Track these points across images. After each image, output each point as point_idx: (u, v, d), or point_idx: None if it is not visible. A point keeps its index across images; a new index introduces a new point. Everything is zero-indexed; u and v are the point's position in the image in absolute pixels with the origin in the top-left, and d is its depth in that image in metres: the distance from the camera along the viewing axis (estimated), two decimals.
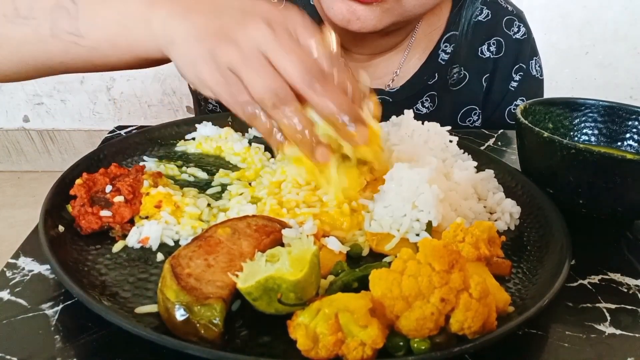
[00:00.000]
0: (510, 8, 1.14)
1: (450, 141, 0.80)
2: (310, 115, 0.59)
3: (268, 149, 0.81)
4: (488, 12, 1.11)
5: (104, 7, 0.68)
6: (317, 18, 1.02)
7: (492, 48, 1.11)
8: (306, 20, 0.62)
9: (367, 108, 0.63)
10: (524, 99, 1.13)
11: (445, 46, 1.09)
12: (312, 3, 1.04)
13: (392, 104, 1.08)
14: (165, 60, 0.66)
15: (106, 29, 0.67)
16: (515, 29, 1.12)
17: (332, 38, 0.63)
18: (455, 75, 1.11)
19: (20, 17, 0.70)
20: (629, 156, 0.65)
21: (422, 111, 1.11)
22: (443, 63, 1.09)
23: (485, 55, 1.12)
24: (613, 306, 0.59)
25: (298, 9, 0.63)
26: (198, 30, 0.60)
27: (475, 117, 1.15)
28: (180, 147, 0.83)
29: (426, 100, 1.11)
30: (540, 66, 1.16)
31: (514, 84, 1.13)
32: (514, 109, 1.14)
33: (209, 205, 0.67)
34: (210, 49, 0.58)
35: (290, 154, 0.61)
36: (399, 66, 1.10)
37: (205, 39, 0.59)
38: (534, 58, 1.15)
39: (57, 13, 0.68)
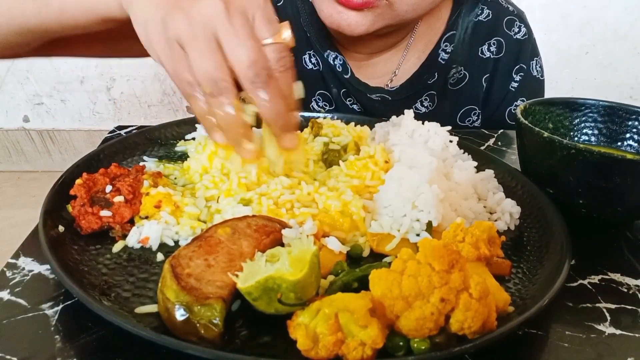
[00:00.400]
0: (511, 8, 1.14)
1: (451, 141, 0.80)
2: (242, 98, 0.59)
3: None
4: (489, 12, 1.11)
5: None
6: (315, 17, 1.02)
7: (493, 48, 1.11)
8: (268, 9, 0.60)
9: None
10: (524, 99, 1.12)
11: (446, 45, 1.09)
12: (310, 1, 1.04)
13: (391, 102, 1.08)
14: (129, 22, 0.65)
15: None
16: (516, 29, 1.12)
17: (288, 35, 0.60)
18: (455, 75, 1.11)
19: None
20: (629, 156, 0.65)
21: (421, 110, 1.11)
22: (443, 62, 1.09)
23: (485, 55, 1.11)
24: (613, 306, 0.59)
25: None
26: None
27: (474, 117, 1.14)
28: (180, 147, 0.83)
29: (425, 99, 1.11)
30: (541, 67, 1.16)
31: (515, 85, 1.13)
32: (514, 110, 1.14)
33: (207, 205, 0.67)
34: (163, 16, 0.57)
35: (219, 140, 0.60)
36: (398, 66, 1.10)
37: (160, 4, 0.59)
38: (535, 58, 1.14)
39: None
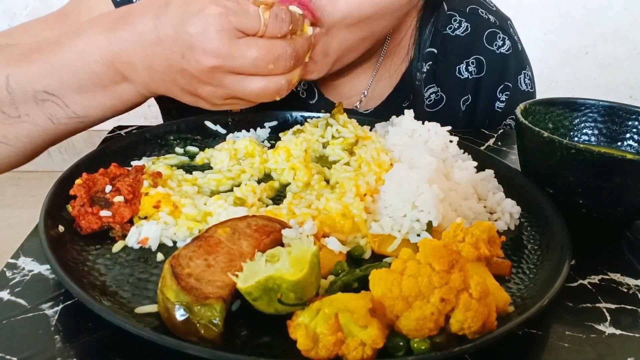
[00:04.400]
0: (492, 19, 1.04)
1: (451, 141, 0.80)
2: None
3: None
4: (467, 26, 1.02)
5: (87, 92, 0.72)
6: None
7: (471, 68, 1.03)
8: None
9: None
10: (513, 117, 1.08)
11: (420, 65, 1.00)
12: None
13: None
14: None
15: (101, 106, 0.74)
16: (500, 43, 1.04)
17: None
18: (432, 97, 1.03)
19: (13, 118, 0.73)
20: (629, 156, 0.65)
21: None
22: (417, 84, 1.01)
23: (463, 75, 1.03)
24: (613, 306, 0.59)
25: None
26: (158, 79, 0.71)
27: None
28: (180, 147, 0.83)
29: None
30: (530, 78, 1.09)
31: (501, 105, 1.06)
32: (502, 129, 1.08)
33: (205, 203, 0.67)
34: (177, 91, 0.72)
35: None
36: (367, 86, 1.03)
37: (166, 84, 0.72)
38: (523, 72, 1.07)
39: (46, 106, 0.73)
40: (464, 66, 1.04)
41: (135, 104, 0.77)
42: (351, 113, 0.98)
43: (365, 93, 1.03)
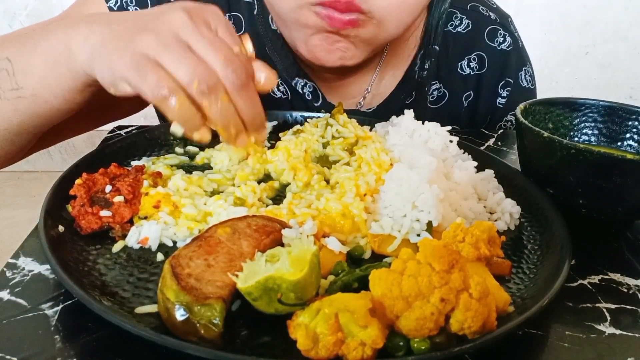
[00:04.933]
0: (493, 16, 1.06)
1: (451, 141, 0.80)
2: None
3: None
4: (468, 23, 1.04)
5: (32, 51, 0.69)
6: (280, 44, 0.97)
7: (473, 64, 1.04)
8: (228, 22, 0.63)
9: None
10: (515, 113, 1.09)
11: (422, 62, 1.02)
12: (273, 28, 0.97)
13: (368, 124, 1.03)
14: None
15: (37, 73, 0.68)
16: (500, 39, 1.05)
17: (250, 47, 0.64)
18: (434, 93, 1.05)
19: None
20: (629, 156, 0.65)
21: None
22: (420, 80, 1.02)
23: (465, 71, 1.05)
24: (613, 306, 0.59)
25: (220, 10, 0.64)
26: (115, 32, 0.60)
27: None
28: (180, 147, 0.83)
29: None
30: (531, 75, 1.10)
31: (502, 100, 1.07)
32: (504, 125, 1.10)
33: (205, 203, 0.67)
34: (126, 42, 0.58)
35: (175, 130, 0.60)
36: (370, 83, 1.03)
37: (122, 36, 0.59)
38: (523, 68, 1.08)
39: (1, 75, 0.70)
40: (466, 62, 1.05)
41: (67, 87, 0.67)
42: (353, 113, 0.98)
43: (369, 89, 1.04)
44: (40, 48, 0.68)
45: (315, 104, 1.01)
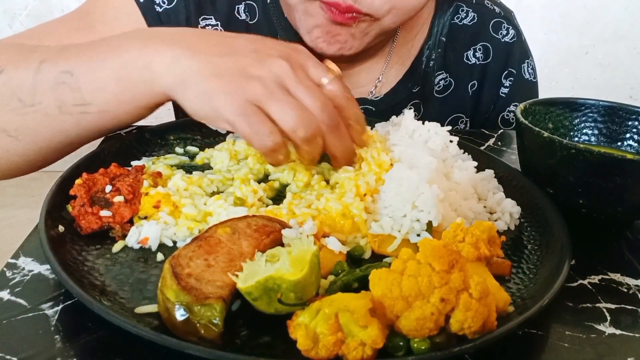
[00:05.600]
0: (497, 10, 1.10)
1: (451, 141, 0.80)
2: None
3: None
4: (474, 16, 1.08)
5: (100, 67, 0.68)
6: (292, 33, 1.00)
7: (479, 54, 1.08)
8: (312, 56, 0.68)
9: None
10: (517, 104, 1.10)
11: (430, 52, 1.06)
12: (285, 17, 1.01)
13: (374, 113, 1.04)
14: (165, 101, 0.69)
15: (109, 89, 0.68)
16: (504, 32, 1.09)
17: (335, 67, 0.70)
18: (440, 83, 1.08)
19: (27, 107, 0.70)
20: (629, 156, 0.65)
21: None
22: (427, 70, 1.06)
23: (471, 61, 1.09)
24: (613, 306, 0.59)
25: (302, 45, 0.69)
26: (215, 68, 0.63)
27: (462, 126, 1.12)
28: (180, 147, 0.83)
29: (410, 109, 1.06)
30: (533, 68, 1.13)
31: (505, 90, 1.11)
32: (507, 116, 1.12)
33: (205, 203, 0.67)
34: (234, 87, 0.61)
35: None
36: (381, 73, 1.07)
37: (226, 76, 0.62)
38: (526, 61, 1.11)
39: (59, 90, 0.69)
40: (472, 52, 1.09)
41: (140, 105, 0.69)
42: (362, 102, 1.03)
43: (380, 78, 1.07)
44: (110, 64, 0.68)
45: None
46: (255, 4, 1.02)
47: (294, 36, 1.00)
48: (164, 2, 0.97)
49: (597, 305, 0.59)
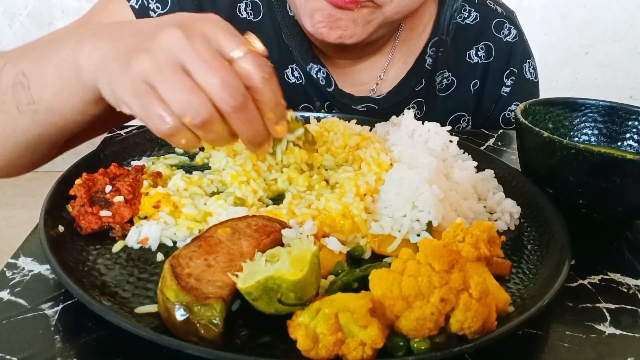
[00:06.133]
0: (499, 10, 1.11)
1: (451, 141, 0.80)
2: None
3: None
4: (477, 15, 1.09)
5: (43, 65, 0.69)
6: (296, 30, 1.00)
7: (481, 53, 1.09)
8: (227, 24, 0.59)
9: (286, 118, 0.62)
10: (518, 103, 1.10)
11: (432, 51, 1.06)
12: (290, 14, 1.00)
13: (377, 112, 1.04)
14: None
15: (51, 87, 0.68)
16: (506, 32, 1.10)
17: (258, 44, 0.60)
18: (443, 81, 1.09)
19: None
20: (629, 156, 0.65)
21: None
22: (430, 68, 1.07)
23: (473, 60, 1.09)
24: (613, 306, 0.59)
25: (218, 16, 0.60)
26: (116, 50, 0.59)
27: (464, 124, 1.12)
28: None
29: (413, 107, 1.08)
30: (534, 68, 1.14)
31: (506, 89, 1.11)
32: (508, 115, 1.13)
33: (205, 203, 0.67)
34: (123, 65, 0.56)
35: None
36: (383, 70, 1.07)
37: (121, 56, 0.57)
38: (527, 60, 1.12)
39: (16, 90, 0.70)
40: (474, 51, 1.10)
41: (80, 100, 0.66)
42: (365, 100, 1.04)
43: (382, 76, 1.07)
44: (52, 61, 0.67)
45: (328, 89, 1.04)
46: (260, 2, 1.02)
47: (297, 34, 1.00)
48: (157, 7, 0.97)
49: (597, 305, 0.59)
